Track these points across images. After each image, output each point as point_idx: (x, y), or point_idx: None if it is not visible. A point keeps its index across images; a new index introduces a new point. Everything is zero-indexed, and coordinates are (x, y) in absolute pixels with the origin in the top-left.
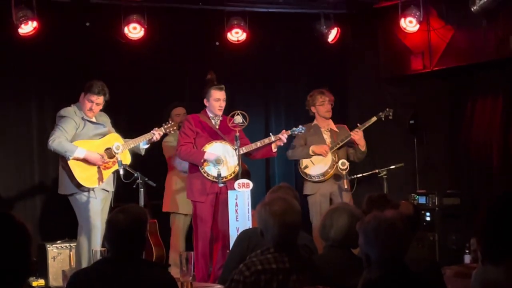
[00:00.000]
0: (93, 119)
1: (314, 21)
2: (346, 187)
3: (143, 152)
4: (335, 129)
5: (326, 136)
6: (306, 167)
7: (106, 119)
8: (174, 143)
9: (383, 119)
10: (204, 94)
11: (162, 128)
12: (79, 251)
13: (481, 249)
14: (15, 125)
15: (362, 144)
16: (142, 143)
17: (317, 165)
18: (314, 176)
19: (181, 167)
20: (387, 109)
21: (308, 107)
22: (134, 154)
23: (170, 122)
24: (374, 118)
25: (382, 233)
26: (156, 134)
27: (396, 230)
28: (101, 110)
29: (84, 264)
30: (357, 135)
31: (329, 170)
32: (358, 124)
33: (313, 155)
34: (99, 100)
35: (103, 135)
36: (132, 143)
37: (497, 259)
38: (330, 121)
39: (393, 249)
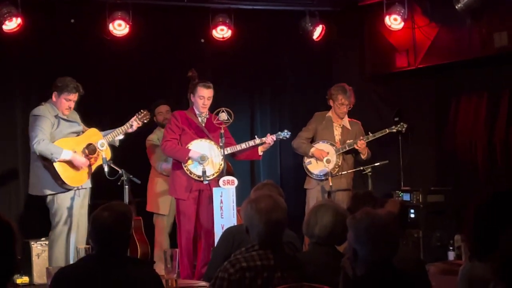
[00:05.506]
0: (65, 117)
1: (299, 19)
2: (330, 184)
3: (117, 143)
4: (348, 126)
5: (337, 133)
6: (309, 163)
7: (76, 116)
8: (156, 142)
9: (394, 131)
10: (191, 89)
11: (137, 118)
12: (62, 249)
13: (469, 246)
14: None
15: (363, 153)
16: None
17: (320, 164)
18: (314, 175)
19: (160, 168)
20: (402, 123)
21: (328, 97)
22: (110, 146)
23: (142, 111)
24: (386, 130)
25: (374, 234)
26: (134, 125)
27: (388, 233)
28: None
29: (70, 261)
30: (360, 145)
31: (330, 172)
32: (370, 133)
33: (311, 157)
34: (76, 97)
35: (77, 133)
36: (111, 136)
37: (485, 256)
38: (345, 117)
39: (384, 251)
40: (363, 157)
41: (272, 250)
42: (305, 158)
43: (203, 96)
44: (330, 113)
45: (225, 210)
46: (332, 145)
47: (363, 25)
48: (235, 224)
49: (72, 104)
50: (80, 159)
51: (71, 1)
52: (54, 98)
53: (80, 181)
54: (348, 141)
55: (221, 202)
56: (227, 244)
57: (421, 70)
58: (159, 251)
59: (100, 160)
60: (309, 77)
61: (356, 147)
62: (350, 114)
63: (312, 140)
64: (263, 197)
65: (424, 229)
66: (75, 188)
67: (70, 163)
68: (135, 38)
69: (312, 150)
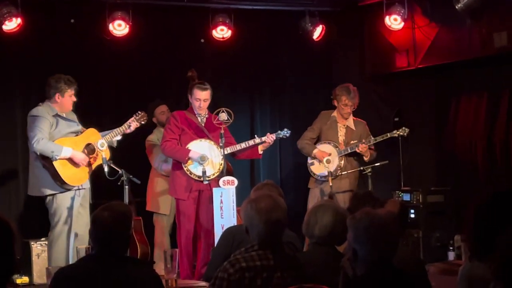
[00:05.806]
0: (64, 115)
1: (299, 19)
2: (330, 184)
3: (115, 144)
4: (352, 126)
5: (341, 133)
6: (312, 164)
7: (74, 116)
8: (156, 142)
9: (396, 136)
10: (189, 90)
11: (134, 119)
12: (62, 249)
13: (469, 246)
14: None
15: (366, 156)
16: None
17: (322, 165)
18: (316, 175)
19: (160, 169)
20: (404, 128)
21: (333, 97)
22: (108, 147)
23: (139, 112)
24: (388, 135)
25: (373, 234)
26: (132, 125)
27: (388, 232)
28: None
29: (70, 261)
30: (362, 149)
31: (330, 172)
32: (371, 137)
33: (314, 158)
34: (74, 91)
35: (76, 133)
36: (109, 137)
37: (485, 256)
38: (350, 117)
39: (383, 250)
40: (365, 159)
41: (271, 250)
42: (309, 158)
43: (199, 98)
44: (335, 113)
45: (225, 210)
46: (335, 146)
47: (363, 25)
48: (235, 224)
49: (75, 98)
50: (80, 155)
51: (71, 1)
52: (57, 99)
53: (80, 180)
54: (351, 142)
55: (221, 202)
56: (227, 244)
57: (421, 70)
58: (159, 251)
59: (100, 160)
60: (309, 77)
61: (358, 151)
62: (352, 114)
63: (318, 139)
64: (263, 197)
65: (424, 229)
66: (75, 188)
67: (70, 161)
68: (135, 38)
69: (315, 151)
